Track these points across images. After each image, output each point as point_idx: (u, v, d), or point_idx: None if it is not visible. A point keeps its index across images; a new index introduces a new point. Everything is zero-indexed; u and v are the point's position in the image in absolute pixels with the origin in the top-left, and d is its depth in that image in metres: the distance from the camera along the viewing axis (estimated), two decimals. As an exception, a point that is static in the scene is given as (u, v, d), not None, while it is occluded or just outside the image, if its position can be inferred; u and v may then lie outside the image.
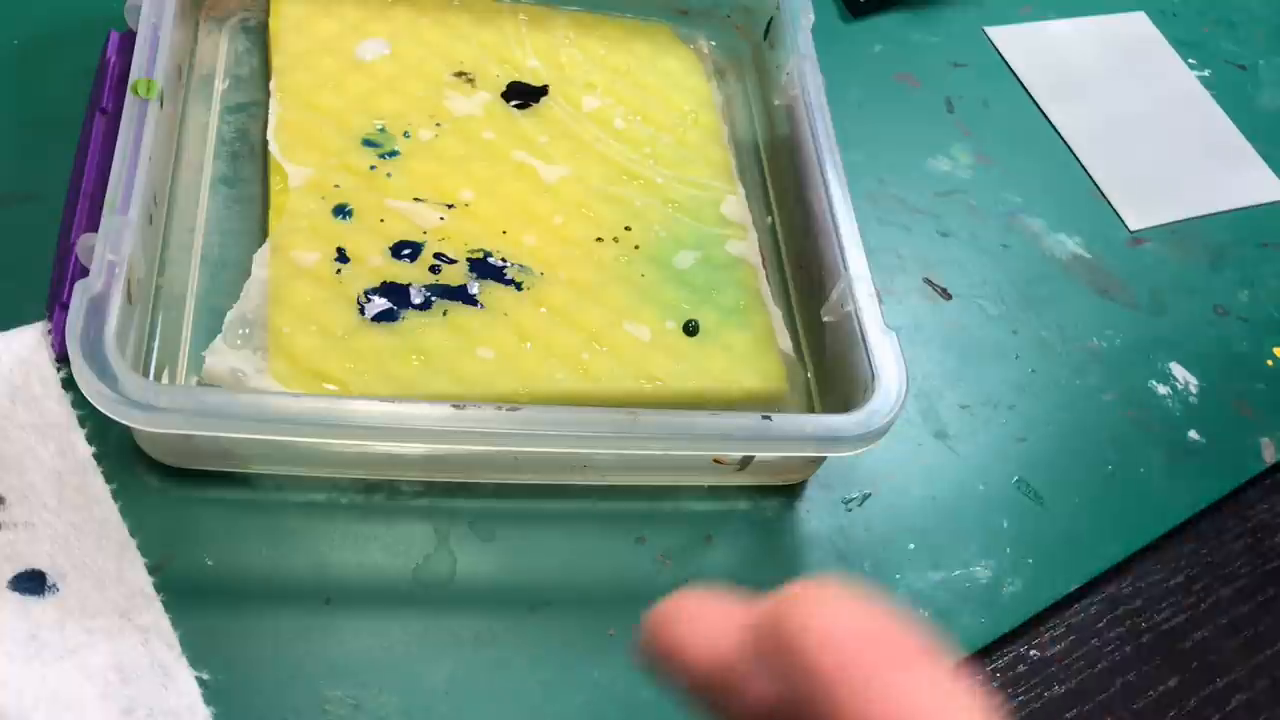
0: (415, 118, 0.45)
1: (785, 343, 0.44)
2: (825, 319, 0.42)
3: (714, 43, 0.54)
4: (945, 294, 0.50)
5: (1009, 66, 0.61)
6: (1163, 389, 0.50)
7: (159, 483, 0.37)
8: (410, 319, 0.40)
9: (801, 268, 0.46)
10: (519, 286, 0.42)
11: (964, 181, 0.55)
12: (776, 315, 0.45)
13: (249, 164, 0.44)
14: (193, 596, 0.35)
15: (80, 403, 0.35)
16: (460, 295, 0.41)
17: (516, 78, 0.48)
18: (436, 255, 0.42)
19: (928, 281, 0.51)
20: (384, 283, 0.41)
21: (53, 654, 0.33)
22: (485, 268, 0.42)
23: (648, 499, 0.41)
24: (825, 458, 0.42)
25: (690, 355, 0.42)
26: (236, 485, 0.38)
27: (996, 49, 0.62)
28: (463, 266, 0.42)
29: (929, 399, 0.47)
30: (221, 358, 0.38)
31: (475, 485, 0.40)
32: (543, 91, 0.48)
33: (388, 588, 0.37)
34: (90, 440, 0.37)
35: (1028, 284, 0.52)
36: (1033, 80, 0.61)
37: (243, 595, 0.36)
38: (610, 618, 0.38)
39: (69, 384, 0.37)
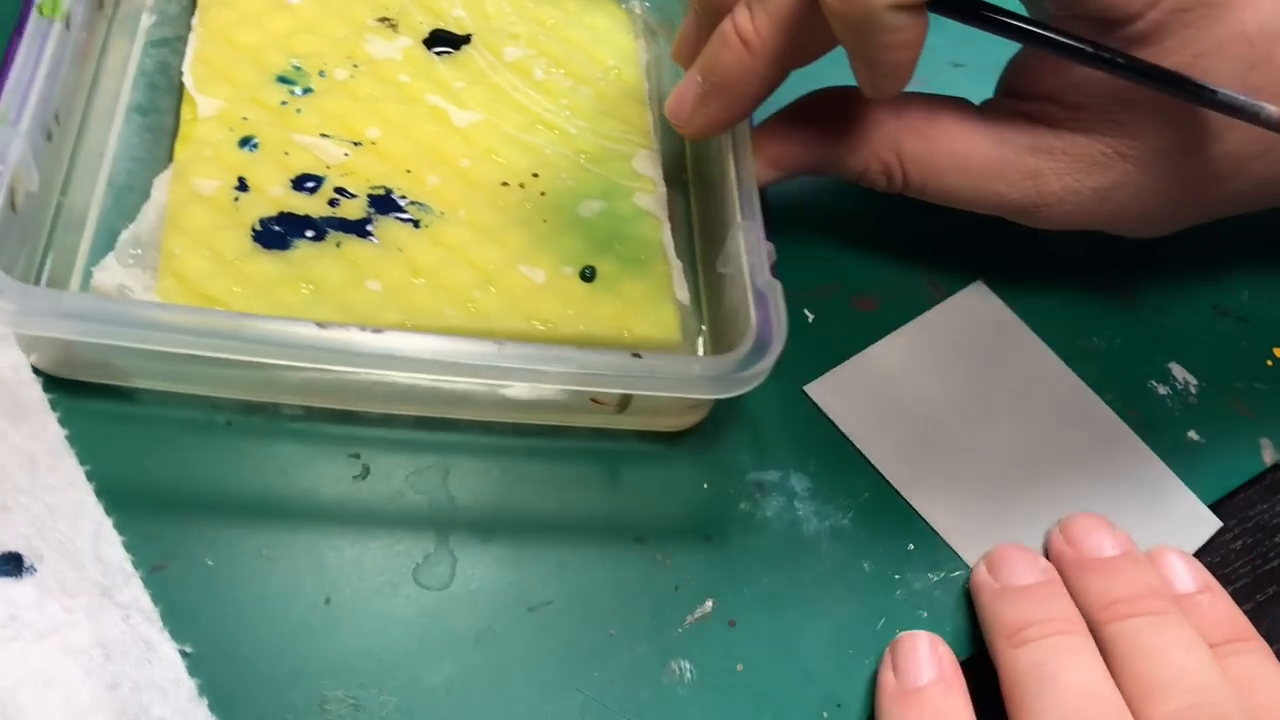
0: (333, 58, 0.46)
1: (683, 294, 0.44)
2: (720, 270, 0.43)
3: (647, 3, 0.54)
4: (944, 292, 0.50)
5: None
6: (1162, 389, 0.49)
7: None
8: (302, 248, 0.41)
9: (705, 224, 0.46)
10: (416, 224, 0.42)
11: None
12: (678, 268, 0.45)
13: (167, 96, 0.45)
14: (191, 596, 0.36)
15: (53, 386, 0.37)
16: (356, 229, 0.42)
17: (440, 25, 0.49)
18: (337, 189, 0.42)
19: (927, 281, 0.50)
20: (281, 213, 0.41)
21: (34, 634, 0.33)
22: (385, 204, 0.43)
23: (647, 499, 0.41)
24: (710, 405, 0.42)
25: (583, 300, 0.42)
26: (225, 478, 0.38)
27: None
28: (363, 202, 0.42)
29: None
30: (110, 274, 0.39)
31: (476, 484, 0.40)
32: (465, 40, 0.49)
33: (388, 588, 0.38)
34: (63, 423, 0.37)
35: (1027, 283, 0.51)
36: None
37: (241, 595, 0.37)
38: (610, 618, 0.39)
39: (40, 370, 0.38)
